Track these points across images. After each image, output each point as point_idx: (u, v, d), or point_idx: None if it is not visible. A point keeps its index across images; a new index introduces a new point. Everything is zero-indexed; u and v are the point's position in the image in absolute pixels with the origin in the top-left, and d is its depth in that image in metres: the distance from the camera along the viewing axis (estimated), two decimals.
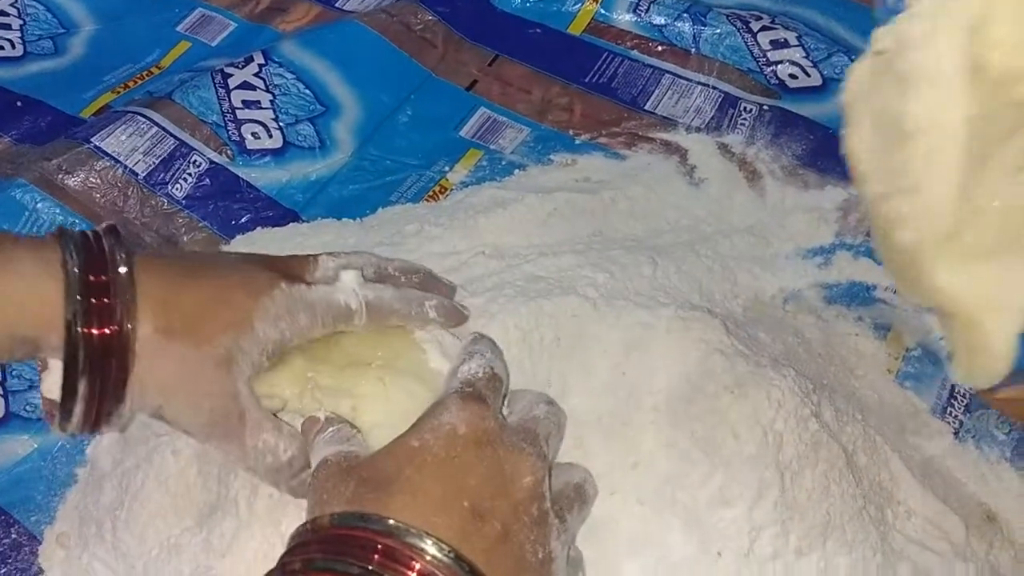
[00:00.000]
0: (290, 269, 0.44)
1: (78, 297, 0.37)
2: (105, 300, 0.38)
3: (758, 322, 0.57)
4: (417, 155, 0.70)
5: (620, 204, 0.64)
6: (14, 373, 0.58)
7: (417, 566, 0.34)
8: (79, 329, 0.37)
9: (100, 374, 0.38)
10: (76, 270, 0.38)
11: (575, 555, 0.41)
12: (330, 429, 0.41)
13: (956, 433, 0.53)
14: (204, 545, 0.44)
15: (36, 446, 0.56)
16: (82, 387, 0.38)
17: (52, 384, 0.39)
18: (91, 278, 0.38)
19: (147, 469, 0.49)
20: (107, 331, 0.38)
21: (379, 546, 0.34)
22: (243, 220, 0.67)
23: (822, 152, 0.68)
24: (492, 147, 0.71)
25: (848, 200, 0.65)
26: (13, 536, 0.52)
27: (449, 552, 0.34)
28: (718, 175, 0.68)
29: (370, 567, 0.33)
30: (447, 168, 0.69)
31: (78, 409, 0.39)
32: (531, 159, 0.70)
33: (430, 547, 0.34)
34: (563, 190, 0.64)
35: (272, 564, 0.42)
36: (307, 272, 0.45)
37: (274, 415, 0.42)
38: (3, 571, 0.51)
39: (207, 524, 0.45)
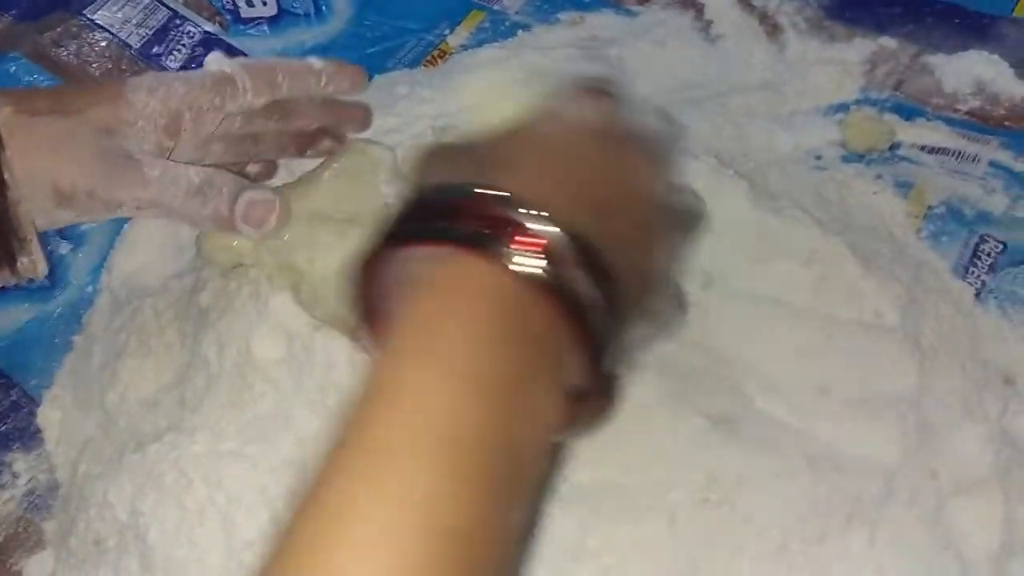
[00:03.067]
0: None
1: None
2: None
3: (772, 181, 0.53)
4: (417, 19, 0.67)
5: (627, 62, 0.60)
6: None
7: (540, 240, 0.29)
8: None
9: None
10: None
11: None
12: None
13: (978, 293, 0.49)
14: (179, 400, 0.44)
15: (35, 314, 0.56)
16: None
17: None
18: None
19: (130, 330, 0.49)
20: None
21: (493, 215, 0.30)
22: None
23: (852, 1, 0.63)
24: (495, 7, 0.67)
25: (877, 52, 0.60)
26: (13, 398, 0.53)
27: (567, 226, 0.30)
28: (736, 30, 0.63)
29: (488, 235, 0.29)
30: (447, 31, 0.66)
31: None
32: (536, 19, 0.66)
33: (547, 224, 0.29)
34: (564, 47, 0.60)
35: (239, 415, 0.42)
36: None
37: None
38: (3, 429, 0.52)
39: (182, 381, 0.45)
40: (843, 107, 0.58)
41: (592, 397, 0.32)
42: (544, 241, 0.29)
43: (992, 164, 0.54)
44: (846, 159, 0.55)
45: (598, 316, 0.30)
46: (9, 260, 0.39)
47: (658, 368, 0.43)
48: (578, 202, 0.31)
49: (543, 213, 0.30)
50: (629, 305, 0.32)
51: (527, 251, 0.29)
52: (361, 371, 0.30)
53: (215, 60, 0.43)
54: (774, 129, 0.56)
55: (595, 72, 0.40)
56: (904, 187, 0.53)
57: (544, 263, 0.29)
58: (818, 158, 0.56)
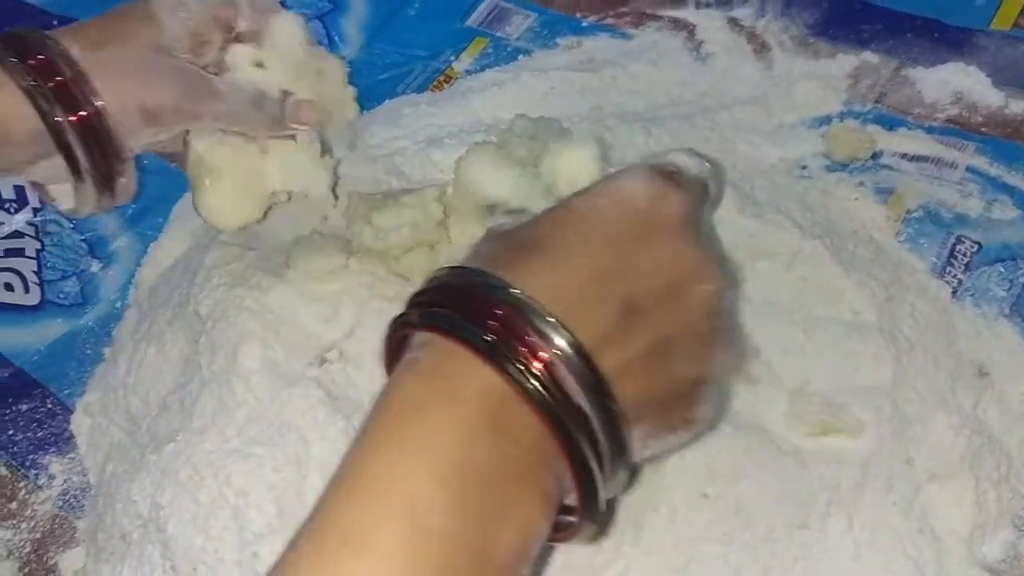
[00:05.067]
0: None
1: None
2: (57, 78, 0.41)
3: (757, 189, 0.56)
4: (424, 46, 0.71)
5: (621, 81, 0.64)
6: (48, 264, 0.62)
7: (541, 354, 0.28)
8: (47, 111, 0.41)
9: (75, 115, 0.42)
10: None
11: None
12: None
13: (954, 292, 0.51)
14: (180, 405, 0.47)
15: (68, 328, 0.60)
16: (73, 139, 0.42)
17: (59, 191, 0.44)
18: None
19: (149, 339, 0.52)
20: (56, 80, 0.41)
21: (498, 312, 0.28)
22: None
23: (836, 19, 0.66)
24: (498, 34, 0.71)
25: (860, 67, 0.63)
26: (48, 406, 0.57)
27: (575, 345, 0.28)
28: (725, 49, 0.66)
29: (486, 337, 0.28)
30: (452, 57, 0.70)
31: (81, 157, 0.42)
32: (536, 44, 0.69)
33: (553, 334, 0.28)
34: (562, 69, 0.63)
35: (226, 418, 0.45)
36: None
37: None
38: (39, 434, 0.56)
39: (185, 385, 0.48)
40: (827, 120, 0.60)
41: (583, 520, 0.30)
42: (546, 356, 0.28)
43: (969, 169, 0.56)
44: (830, 168, 0.58)
45: (591, 448, 0.29)
46: (110, 182, 0.44)
47: None
48: (606, 305, 0.30)
49: (555, 320, 0.28)
50: (643, 429, 0.31)
51: (528, 362, 0.28)
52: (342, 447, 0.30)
53: None
54: (760, 141, 0.59)
55: (689, 162, 0.36)
56: (884, 193, 0.56)
57: (541, 381, 0.28)
58: (803, 168, 0.58)
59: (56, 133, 0.42)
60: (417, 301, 0.31)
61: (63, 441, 0.56)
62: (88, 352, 0.59)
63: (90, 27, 0.44)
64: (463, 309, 0.29)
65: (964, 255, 0.52)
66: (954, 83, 0.60)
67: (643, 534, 0.43)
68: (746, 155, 0.58)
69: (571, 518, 0.31)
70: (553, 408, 0.28)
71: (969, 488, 0.44)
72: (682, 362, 0.31)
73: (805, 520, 0.44)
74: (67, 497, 0.54)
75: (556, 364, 0.28)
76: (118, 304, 0.61)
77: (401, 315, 0.31)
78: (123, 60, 0.43)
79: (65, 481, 0.54)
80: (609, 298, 0.30)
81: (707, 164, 0.37)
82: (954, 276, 0.52)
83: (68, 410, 0.57)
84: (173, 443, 0.47)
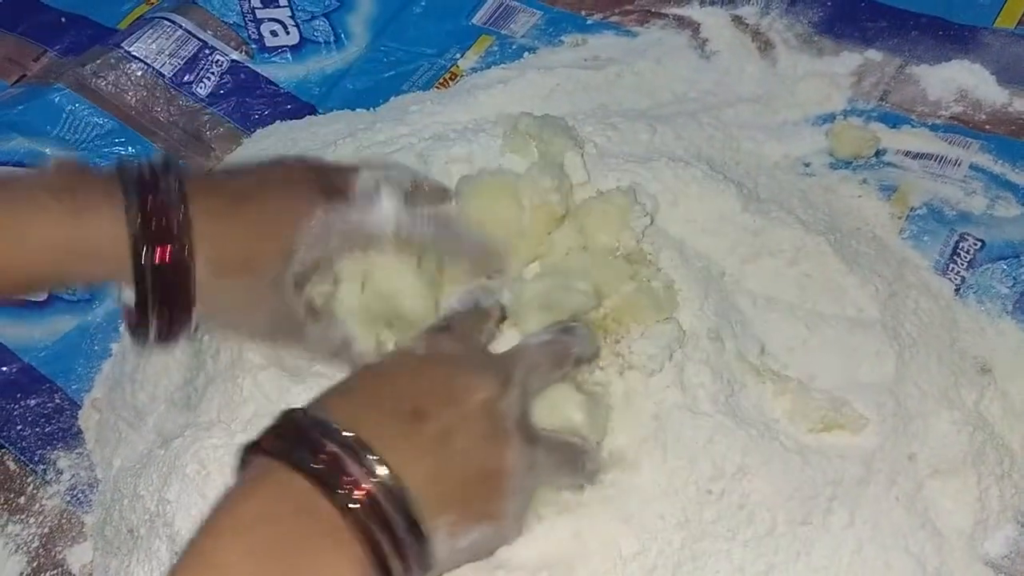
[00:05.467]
0: (331, 183, 0.45)
1: (142, 243, 0.39)
2: (168, 243, 0.40)
3: (761, 186, 0.56)
4: (430, 44, 0.71)
5: (626, 78, 0.64)
6: None
7: (352, 470, 0.34)
8: (146, 265, 0.40)
9: (168, 303, 0.41)
10: (138, 218, 0.40)
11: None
12: None
13: (957, 289, 0.51)
14: (186, 400, 0.48)
15: (76, 324, 0.61)
16: (153, 313, 0.41)
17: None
18: (152, 222, 0.40)
19: None
20: (170, 267, 0.40)
21: (325, 446, 0.34)
22: (264, 114, 0.69)
23: (840, 17, 0.66)
24: (503, 32, 0.71)
25: (864, 65, 0.63)
26: (56, 401, 0.57)
27: (379, 461, 0.34)
28: (729, 46, 0.66)
29: (315, 465, 0.34)
30: (458, 55, 0.70)
31: (153, 330, 0.42)
32: (541, 42, 0.70)
33: (366, 456, 0.34)
34: (567, 67, 0.64)
35: (232, 413, 0.46)
36: (347, 186, 0.45)
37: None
38: (47, 430, 0.56)
39: (191, 381, 0.49)
40: (831, 117, 0.61)
41: None
42: (369, 488, 0.33)
43: (972, 167, 0.56)
44: (833, 166, 0.58)
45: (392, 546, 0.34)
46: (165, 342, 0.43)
47: None
48: (397, 413, 0.36)
49: (375, 457, 0.34)
50: (449, 516, 0.36)
51: (352, 491, 0.33)
52: None
53: (389, 207, 0.45)
54: (764, 139, 0.59)
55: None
56: (888, 190, 0.56)
57: (361, 503, 0.33)
58: (807, 165, 0.58)
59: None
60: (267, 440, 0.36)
61: (71, 436, 0.56)
62: (96, 348, 0.60)
63: (227, 232, 0.42)
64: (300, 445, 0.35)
65: (967, 252, 0.52)
66: (958, 81, 0.60)
67: (646, 528, 0.43)
68: (750, 152, 0.58)
69: None
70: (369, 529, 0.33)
71: (971, 484, 0.44)
72: (468, 451, 0.37)
73: (808, 516, 0.44)
74: (75, 492, 0.54)
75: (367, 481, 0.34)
76: None
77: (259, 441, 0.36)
78: (232, 294, 0.43)
79: (73, 476, 0.55)
80: (398, 410, 0.37)
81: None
82: (957, 273, 0.52)
83: (76, 405, 0.57)
84: (180, 438, 0.47)
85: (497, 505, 0.38)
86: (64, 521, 0.53)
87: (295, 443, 0.35)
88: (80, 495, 0.54)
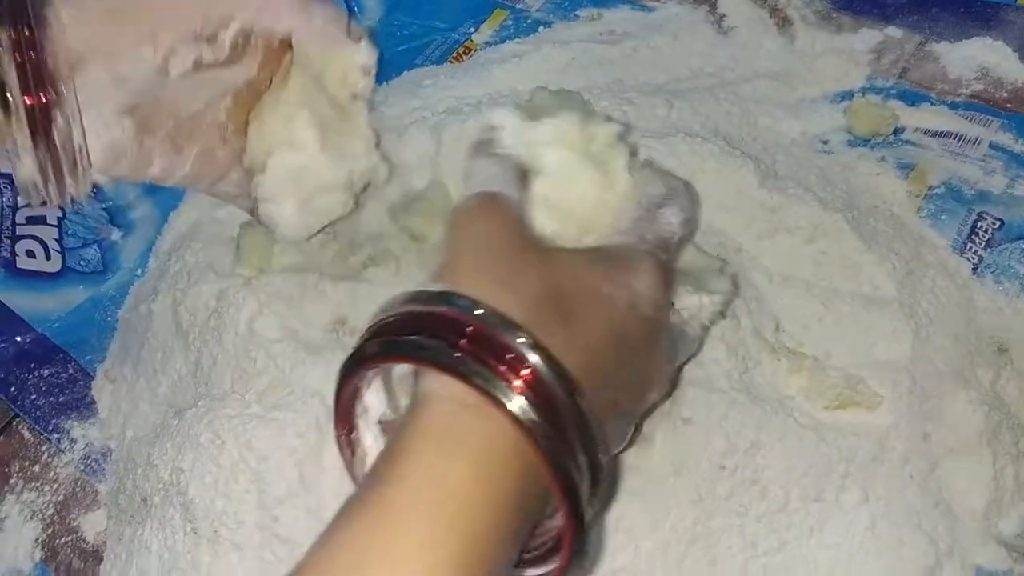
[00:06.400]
0: None
1: None
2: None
3: (779, 163, 0.56)
4: (443, 18, 0.71)
5: (641, 53, 0.63)
6: (69, 232, 0.63)
7: (510, 357, 0.29)
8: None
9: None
10: None
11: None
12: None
13: (975, 268, 0.51)
14: (200, 372, 0.48)
15: (89, 295, 0.61)
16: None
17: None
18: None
19: (154, 308, 0.53)
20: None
21: (468, 328, 0.30)
22: None
23: None
24: (517, 5, 0.70)
25: (883, 42, 0.62)
26: (70, 371, 0.58)
27: (545, 354, 0.30)
28: (747, 22, 0.65)
29: (456, 353, 0.29)
30: (472, 29, 0.69)
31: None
32: (556, 16, 0.69)
33: (521, 341, 0.30)
34: (582, 41, 0.63)
35: (246, 384, 0.45)
36: None
37: None
38: (62, 399, 0.56)
39: (199, 363, 0.49)
40: (849, 94, 0.60)
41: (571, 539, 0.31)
42: (530, 376, 0.30)
43: (992, 146, 0.55)
44: (851, 143, 0.57)
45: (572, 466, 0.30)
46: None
47: None
48: (550, 310, 0.32)
49: (534, 342, 0.30)
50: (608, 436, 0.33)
51: (520, 391, 0.29)
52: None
53: None
54: (782, 115, 0.59)
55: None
56: (906, 168, 0.55)
57: (534, 409, 0.29)
58: (824, 142, 0.58)
59: None
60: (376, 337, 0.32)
61: (84, 406, 0.56)
62: (108, 319, 0.60)
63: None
64: (459, 343, 0.30)
65: (985, 232, 0.52)
66: (979, 58, 0.59)
67: (659, 505, 0.44)
68: (768, 129, 0.58)
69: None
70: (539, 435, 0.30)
71: (986, 464, 0.44)
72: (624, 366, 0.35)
73: (821, 492, 0.44)
74: (89, 461, 0.54)
75: (544, 385, 0.30)
76: (138, 271, 0.61)
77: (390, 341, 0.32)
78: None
79: (87, 445, 0.55)
80: (550, 307, 0.33)
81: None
82: (975, 253, 0.51)
83: (89, 376, 0.57)
84: (193, 408, 0.48)
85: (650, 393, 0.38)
86: (78, 489, 0.54)
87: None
88: (94, 464, 0.54)
